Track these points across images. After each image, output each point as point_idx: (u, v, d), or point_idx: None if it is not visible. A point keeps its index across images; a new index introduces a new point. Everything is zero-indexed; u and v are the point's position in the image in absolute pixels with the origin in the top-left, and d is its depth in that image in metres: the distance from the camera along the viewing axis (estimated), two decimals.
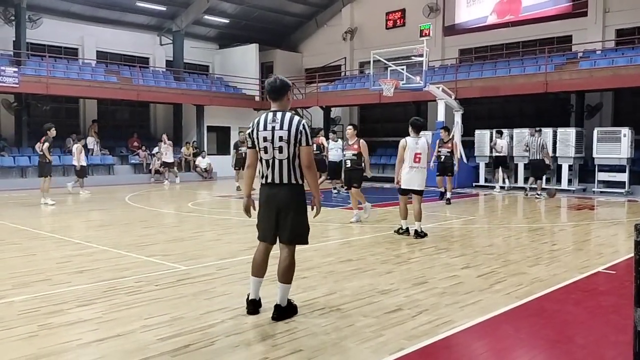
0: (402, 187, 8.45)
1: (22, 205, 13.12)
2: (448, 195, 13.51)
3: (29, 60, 20.86)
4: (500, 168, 17.13)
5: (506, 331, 4.28)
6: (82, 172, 16.43)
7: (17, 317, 4.42)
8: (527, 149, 15.33)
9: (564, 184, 16.84)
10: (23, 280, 5.64)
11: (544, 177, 15.77)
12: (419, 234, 8.38)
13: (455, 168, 13.01)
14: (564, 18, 20.53)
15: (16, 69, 18.81)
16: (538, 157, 14.99)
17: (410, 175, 8.35)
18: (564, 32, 20.53)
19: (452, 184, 13.81)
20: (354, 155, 10.13)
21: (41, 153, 13.17)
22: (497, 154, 17.05)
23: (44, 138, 13.06)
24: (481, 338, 4.20)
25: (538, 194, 14.85)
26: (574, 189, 16.62)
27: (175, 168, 21.63)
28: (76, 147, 16.57)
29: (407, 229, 8.61)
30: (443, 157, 13.57)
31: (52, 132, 13.12)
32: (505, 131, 17.40)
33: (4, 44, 21.20)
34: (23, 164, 19.11)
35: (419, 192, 8.45)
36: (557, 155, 16.92)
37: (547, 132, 17.02)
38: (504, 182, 17.18)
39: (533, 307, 4.84)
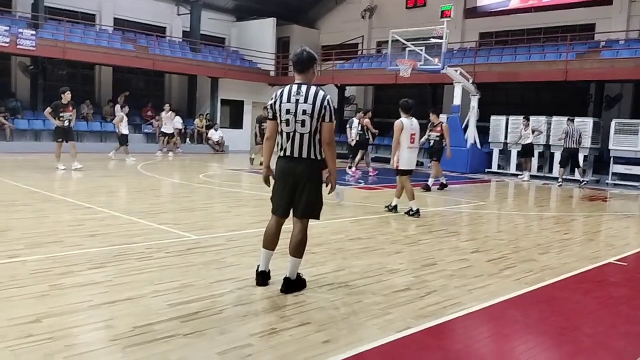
0: (404, 167, 8.62)
1: (36, 168, 13.21)
2: (429, 181, 12.53)
3: (46, 24, 20.80)
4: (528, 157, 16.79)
5: (514, 316, 4.27)
6: (124, 140, 16.59)
7: (29, 276, 4.47)
8: (564, 137, 15.14)
9: (577, 175, 16.67)
10: (35, 241, 5.69)
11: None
12: (416, 212, 8.53)
13: (447, 154, 12.23)
14: (588, 5, 20.12)
15: (34, 32, 18.79)
16: (574, 146, 14.96)
17: (410, 155, 8.61)
18: (587, 19, 20.15)
19: (439, 169, 12.75)
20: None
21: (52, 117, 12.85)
22: (525, 142, 16.60)
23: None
24: (489, 322, 4.20)
25: (584, 181, 15.14)
26: (587, 179, 16.46)
27: (177, 139, 21.17)
28: (118, 115, 16.63)
29: (396, 206, 8.83)
30: (432, 141, 12.86)
31: (66, 96, 12.82)
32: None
33: (22, 6, 21.16)
34: (37, 127, 19.21)
35: (411, 172, 8.77)
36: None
37: (563, 121, 16.80)
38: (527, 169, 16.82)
39: (542, 294, 4.83)
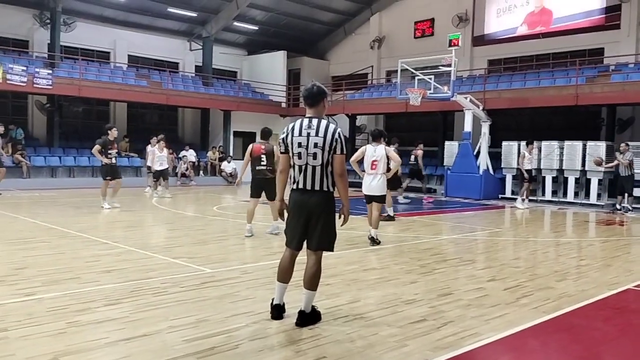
0: (364, 192, 8.75)
1: (52, 205, 13.38)
2: (387, 211, 11.38)
3: (62, 63, 21.33)
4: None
5: (533, 346, 4.21)
6: (157, 175, 16.20)
7: (47, 314, 4.51)
8: (619, 164, 14.84)
9: (593, 199, 16.53)
10: (52, 278, 5.75)
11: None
12: (374, 241, 8.46)
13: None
14: (596, 30, 20.24)
15: (50, 71, 19.27)
16: (628, 173, 14.71)
17: (369, 181, 8.69)
18: (596, 44, 20.23)
19: (390, 199, 11.60)
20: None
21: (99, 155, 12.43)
22: (527, 168, 16.21)
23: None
24: (507, 352, 4.14)
25: (622, 208, 14.78)
26: (603, 203, 16.29)
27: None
28: (150, 151, 16.47)
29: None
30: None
31: (113, 133, 12.56)
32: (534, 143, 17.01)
33: (39, 46, 21.76)
34: (53, 164, 19.52)
35: (378, 199, 8.75)
36: (586, 169, 16.64)
37: (577, 145, 16.77)
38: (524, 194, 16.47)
39: (561, 323, 4.76)
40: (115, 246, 7.80)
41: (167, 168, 16.39)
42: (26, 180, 18.18)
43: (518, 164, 16.45)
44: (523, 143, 17.78)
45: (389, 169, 9.08)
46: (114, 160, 12.68)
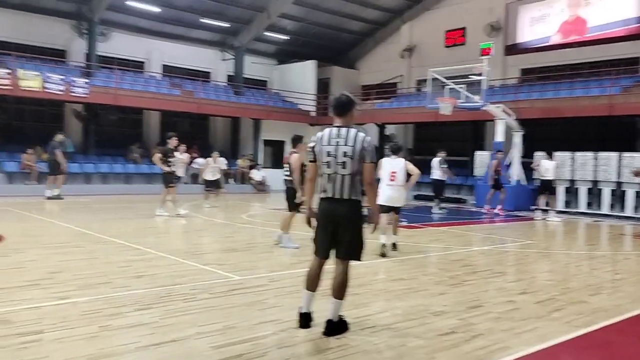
0: (380, 203, 8.09)
1: (87, 210, 13.68)
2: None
3: (98, 72, 21.87)
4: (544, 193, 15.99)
5: None
6: (212, 184, 16.26)
7: (80, 318, 4.61)
8: None
9: (629, 211, 16.11)
10: (86, 282, 5.87)
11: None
12: (394, 247, 8.61)
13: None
14: (632, 39, 19.78)
15: (87, 80, 19.77)
16: None
17: (389, 192, 8.46)
18: (631, 53, 19.77)
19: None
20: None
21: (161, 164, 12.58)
22: (542, 177, 15.84)
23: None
24: None
25: None
26: (639, 216, 15.85)
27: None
28: (203, 162, 17.00)
29: (384, 244, 8.34)
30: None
31: (172, 142, 12.67)
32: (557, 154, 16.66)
33: (76, 56, 22.34)
34: (88, 170, 19.95)
35: (397, 210, 8.70)
36: (622, 181, 16.24)
37: (612, 156, 16.39)
38: (546, 206, 16.03)
39: (595, 338, 4.65)
40: (147, 252, 7.93)
41: (219, 178, 16.60)
42: (63, 186, 18.58)
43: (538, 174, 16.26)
44: (558, 154, 17.56)
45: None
46: (173, 169, 12.73)
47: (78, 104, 20.83)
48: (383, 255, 8.15)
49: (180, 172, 15.10)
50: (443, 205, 16.98)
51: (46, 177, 16.85)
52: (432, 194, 17.16)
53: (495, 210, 16.23)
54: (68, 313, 4.73)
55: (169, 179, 12.66)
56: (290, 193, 8.66)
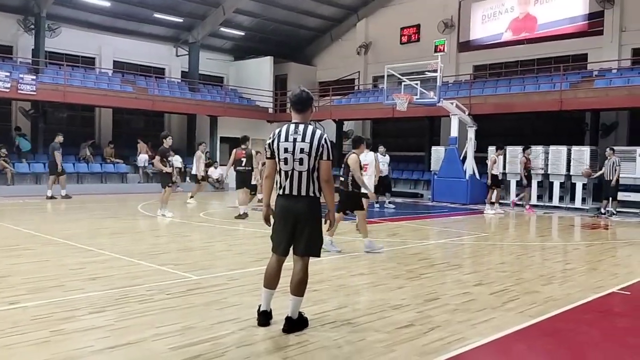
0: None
1: (36, 212, 13.23)
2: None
3: (47, 69, 21.15)
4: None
5: (519, 350, 4.24)
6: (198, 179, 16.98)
7: (31, 322, 4.45)
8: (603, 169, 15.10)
9: (578, 203, 16.70)
10: (37, 286, 5.67)
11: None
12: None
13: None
14: (579, 36, 20.49)
15: (34, 77, 19.09)
16: (611, 178, 14.87)
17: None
18: (579, 50, 20.48)
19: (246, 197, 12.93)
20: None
21: (156, 164, 12.73)
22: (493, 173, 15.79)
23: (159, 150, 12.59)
24: (494, 357, 4.16)
25: (607, 212, 14.96)
26: (587, 207, 16.46)
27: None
28: (197, 156, 16.97)
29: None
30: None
31: (168, 141, 12.53)
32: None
33: (23, 52, 21.55)
34: (38, 170, 19.30)
35: (366, 196, 9.01)
36: (571, 173, 16.81)
37: (561, 150, 16.93)
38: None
39: (547, 327, 4.79)
40: (101, 253, 7.73)
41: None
42: (10, 187, 17.95)
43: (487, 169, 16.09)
44: (510, 148, 18.02)
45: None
46: (170, 169, 12.63)
47: (26, 101, 20.11)
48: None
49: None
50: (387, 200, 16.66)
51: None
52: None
53: (527, 209, 16.00)
54: (19, 318, 4.56)
55: (167, 179, 12.54)
56: (353, 195, 8.33)
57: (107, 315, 4.70)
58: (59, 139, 17.14)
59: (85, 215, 12.83)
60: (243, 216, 12.36)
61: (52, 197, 16.42)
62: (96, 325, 4.42)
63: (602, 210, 15.11)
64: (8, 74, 18.32)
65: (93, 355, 3.79)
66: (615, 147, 16.14)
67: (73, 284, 5.81)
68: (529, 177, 16.29)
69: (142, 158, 21.51)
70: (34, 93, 18.78)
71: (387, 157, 16.39)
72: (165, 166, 12.42)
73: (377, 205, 15.71)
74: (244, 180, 12.76)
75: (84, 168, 20.41)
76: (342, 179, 8.46)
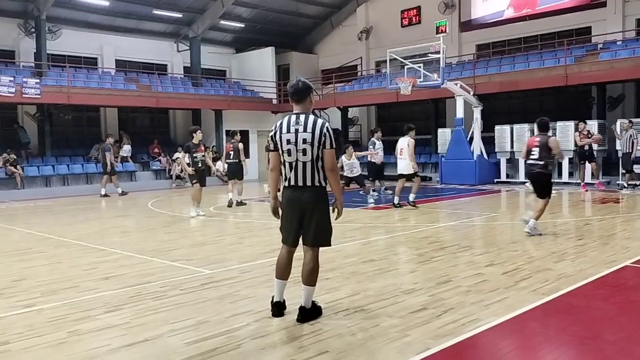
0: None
1: (47, 214, 13.34)
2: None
3: (50, 71, 21.21)
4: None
5: (533, 329, 4.23)
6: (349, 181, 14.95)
7: (47, 324, 4.50)
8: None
9: (588, 178, 16.58)
10: (51, 288, 5.73)
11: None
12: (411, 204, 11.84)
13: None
14: (582, 9, 20.24)
15: (38, 80, 19.16)
16: (628, 150, 14.81)
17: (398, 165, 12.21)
18: (582, 23, 20.23)
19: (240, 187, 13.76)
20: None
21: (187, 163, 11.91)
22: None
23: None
24: (508, 336, 4.16)
25: (624, 185, 14.90)
26: (595, 182, 16.33)
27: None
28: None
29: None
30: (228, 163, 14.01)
31: (197, 136, 11.58)
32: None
33: (25, 56, 21.61)
34: (47, 173, 19.44)
35: (406, 176, 12.01)
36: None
37: (569, 125, 16.79)
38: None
39: (560, 304, 4.78)
40: (113, 252, 7.78)
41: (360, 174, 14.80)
42: (20, 190, 18.10)
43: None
44: (517, 126, 17.88)
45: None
46: (200, 165, 11.60)
47: (31, 105, 20.19)
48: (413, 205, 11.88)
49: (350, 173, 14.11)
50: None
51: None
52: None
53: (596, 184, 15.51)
54: (34, 321, 4.61)
55: (194, 176, 11.68)
56: (545, 179, 8.39)
57: (122, 314, 4.74)
58: (110, 140, 17.88)
59: (95, 215, 12.92)
60: (229, 204, 13.21)
61: (105, 195, 17.01)
62: (112, 324, 4.46)
63: (625, 184, 15.01)
64: (12, 78, 18.39)
65: (110, 354, 3.82)
66: (623, 120, 15.98)
67: (87, 284, 5.86)
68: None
69: (126, 149, 21.59)
70: (39, 96, 18.85)
71: (381, 143, 15.34)
72: (192, 164, 11.51)
73: (375, 193, 15.17)
74: (234, 171, 13.48)
75: (92, 168, 20.51)
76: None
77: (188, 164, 11.81)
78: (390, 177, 15.45)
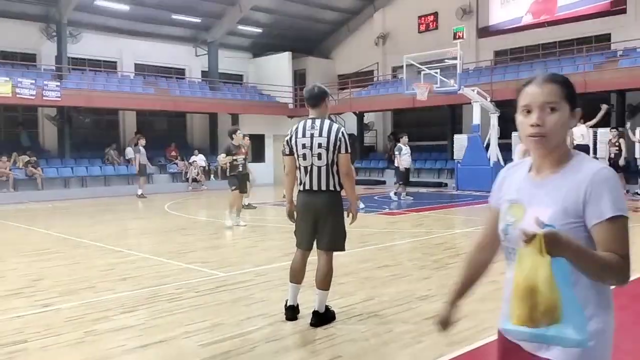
0: None
1: (66, 215, 13.51)
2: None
3: (70, 74, 21.51)
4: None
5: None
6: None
7: (65, 324, 4.57)
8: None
9: None
10: (69, 288, 5.81)
11: None
12: None
13: None
14: (602, 16, 20.04)
15: (58, 83, 19.44)
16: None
17: None
18: (602, 30, 20.03)
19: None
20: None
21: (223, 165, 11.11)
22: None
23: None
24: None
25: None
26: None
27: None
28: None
29: None
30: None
31: (238, 137, 10.50)
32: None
33: (46, 59, 21.94)
34: (66, 175, 19.68)
35: None
36: (598, 156, 16.49)
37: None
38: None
39: None
40: (130, 254, 7.87)
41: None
42: (40, 192, 18.35)
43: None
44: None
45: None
46: (240, 169, 10.54)
47: (51, 107, 20.50)
48: None
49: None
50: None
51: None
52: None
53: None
54: (52, 320, 4.68)
55: (233, 181, 10.50)
56: None
57: (138, 315, 4.80)
58: (141, 142, 18.32)
59: (113, 217, 13.05)
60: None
61: (141, 196, 17.80)
62: (128, 325, 4.52)
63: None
64: (33, 81, 18.67)
65: (126, 355, 3.87)
66: None
67: (104, 285, 5.94)
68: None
69: (129, 151, 21.68)
70: (59, 99, 19.12)
71: (408, 148, 15.59)
72: (231, 167, 10.46)
73: (396, 196, 15.49)
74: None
75: (110, 170, 20.74)
76: None
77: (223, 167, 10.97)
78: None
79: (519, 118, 1.78)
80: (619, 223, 1.58)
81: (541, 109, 1.69)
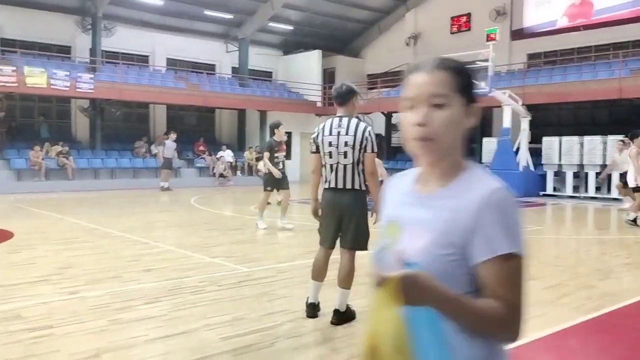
0: None
1: (95, 206, 13.77)
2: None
3: (103, 67, 21.91)
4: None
5: (572, 347, 4.12)
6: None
7: (89, 312, 4.65)
8: None
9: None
10: (95, 277, 5.92)
11: None
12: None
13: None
14: (639, 21, 19.55)
15: (92, 76, 19.82)
16: None
17: None
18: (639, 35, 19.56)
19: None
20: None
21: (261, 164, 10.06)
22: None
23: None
24: (546, 352, 4.06)
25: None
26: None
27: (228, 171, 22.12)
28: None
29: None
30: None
31: (280, 132, 9.53)
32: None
33: (81, 52, 22.39)
34: (96, 166, 20.05)
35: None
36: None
37: (596, 139, 16.34)
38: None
39: (602, 323, 4.64)
40: (155, 246, 7.98)
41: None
42: (71, 182, 18.74)
43: None
44: (566, 138, 17.42)
45: None
46: (281, 166, 9.65)
47: (84, 99, 20.91)
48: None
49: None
50: None
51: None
52: None
53: None
54: (78, 307, 4.77)
55: (269, 181, 9.75)
56: None
57: (161, 306, 4.86)
58: (172, 136, 18.75)
59: (141, 209, 13.25)
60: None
61: (167, 189, 18.31)
62: (151, 315, 4.58)
63: None
64: (67, 73, 19.09)
65: (147, 344, 3.92)
66: None
67: (129, 275, 6.03)
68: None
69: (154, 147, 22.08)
70: (92, 91, 19.51)
71: None
72: (271, 164, 9.54)
73: None
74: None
75: (139, 163, 21.06)
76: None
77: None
78: None
79: (401, 115, 1.39)
80: (512, 262, 1.26)
81: (427, 104, 1.31)
